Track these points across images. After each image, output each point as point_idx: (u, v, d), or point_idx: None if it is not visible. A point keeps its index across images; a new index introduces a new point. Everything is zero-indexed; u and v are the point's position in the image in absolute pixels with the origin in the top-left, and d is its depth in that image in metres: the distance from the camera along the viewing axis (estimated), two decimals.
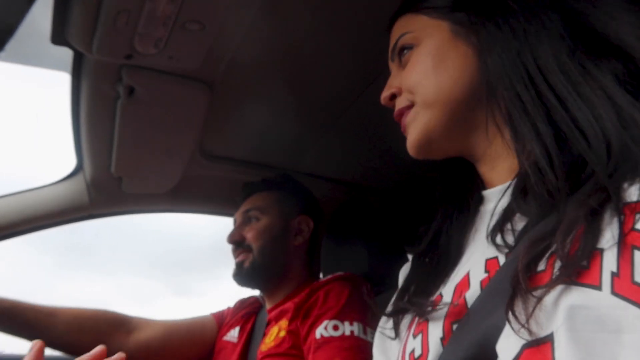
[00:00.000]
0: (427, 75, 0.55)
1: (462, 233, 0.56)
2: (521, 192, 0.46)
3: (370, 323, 0.98)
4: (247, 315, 1.22)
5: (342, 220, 1.34)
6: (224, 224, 1.49)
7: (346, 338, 0.96)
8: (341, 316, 0.99)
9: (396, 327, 0.57)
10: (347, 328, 0.97)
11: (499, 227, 0.46)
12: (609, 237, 0.36)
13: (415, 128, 0.56)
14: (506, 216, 0.46)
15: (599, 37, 0.45)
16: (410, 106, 0.57)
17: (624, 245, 0.35)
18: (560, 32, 0.47)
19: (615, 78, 0.43)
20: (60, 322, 1.08)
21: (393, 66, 0.61)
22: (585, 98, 0.43)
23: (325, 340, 0.95)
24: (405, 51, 0.58)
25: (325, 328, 0.97)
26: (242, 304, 1.28)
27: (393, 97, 0.60)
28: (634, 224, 0.35)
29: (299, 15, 0.89)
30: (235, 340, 1.17)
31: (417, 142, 0.56)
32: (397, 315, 0.57)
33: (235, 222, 1.24)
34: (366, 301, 1.03)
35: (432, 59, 0.55)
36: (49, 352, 1.14)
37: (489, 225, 0.47)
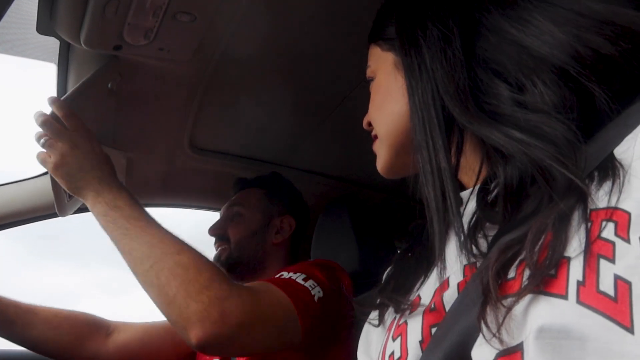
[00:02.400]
0: (377, 110, 0.59)
1: (445, 231, 0.57)
2: (484, 201, 0.47)
3: (324, 284, 0.96)
4: None
5: (333, 216, 1.34)
6: (202, 218, 1.50)
7: (280, 278, 0.96)
8: (287, 269, 1.00)
9: (380, 317, 0.58)
10: (285, 275, 0.97)
11: (470, 236, 0.46)
12: (576, 245, 0.36)
13: (377, 157, 0.61)
14: (477, 224, 0.47)
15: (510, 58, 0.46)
16: (376, 136, 0.61)
17: (590, 253, 0.35)
18: (458, 64, 0.48)
19: (507, 100, 0.44)
20: (39, 321, 1.07)
21: None
22: (487, 129, 0.44)
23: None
24: (370, 83, 0.63)
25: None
26: None
27: (370, 124, 0.64)
28: (600, 231, 0.35)
29: (291, 9, 0.88)
30: None
31: (380, 170, 0.61)
32: (378, 309, 0.59)
33: (220, 215, 1.26)
34: (330, 274, 1.01)
35: (381, 94, 0.59)
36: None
37: (460, 235, 0.47)
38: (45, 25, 0.82)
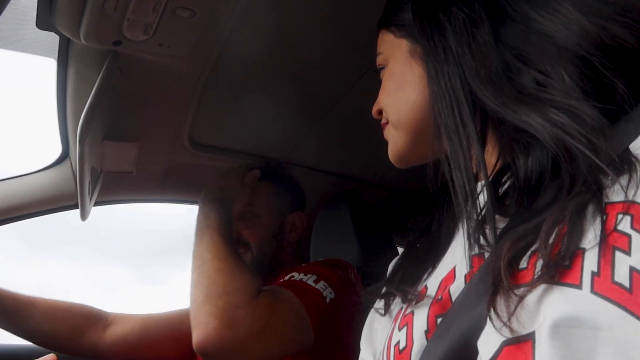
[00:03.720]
0: (390, 98, 0.58)
1: (453, 222, 0.57)
2: (497, 193, 0.46)
3: (335, 286, 0.97)
4: None
5: (333, 212, 1.34)
6: (193, 215, 1.50)
7: (292, 280, 0.97)
8: (298, 270, 1.00)
9: (387, 307, 0.58)
10: (297, 276, 0.98)
11: (480, 227, 0.46)
12: (591, 238, 0.36)
13: (390, 145, 0.60)
14: (485, 216, 0.46)
15: (537, 41, 0.45)
16: (387, 123, 0.60)
17: (605, 245, 0.35)
18: (488, 49, 0.47)
19: (565, 79, 0.43)
20: (38, 312, 1.07)
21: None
22: (520, 113, 0.43)
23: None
24: (380, 70, 0.62)
25: (281, 279, 1.00)
26: None
27: (380, 111, 0.63)
28: (616, 224, 0.36)
29: (291, 5, 0.88)
30: None
31: (393, 158, 0.60)
32: (384, 297, 0.58)
33: None
34: (347, 278, 1.02)
35: (394, 82, 0.58)
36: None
37: (469, 226, 0.47)
38: (44, 21, 0.82)
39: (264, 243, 1.14)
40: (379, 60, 0.61)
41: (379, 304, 0.60)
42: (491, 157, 0.50)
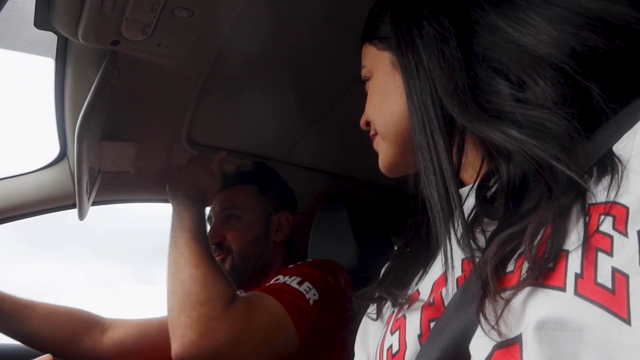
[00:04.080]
0: (376, 110, 0.59)
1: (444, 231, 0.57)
2: (483, 197, 0.47)
3: (320, 287, 0.97)
4: None
5: (331, 212, 1.34)
6: None
7: (274, 284, 0.97)
8: (284, 272, 1.00)
9: (378, 311, 0.58)
10: (281, 279, 0.98)
11: (469, 231, 0.46)
12: (574, 239, 0.36)
13: (380, 156, 0.61)
14: (475, 219, 0.47)
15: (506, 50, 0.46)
16: (375, 134, 0.61)
17: (588, 247, 0.35)
18: (456, 63, 0.47)
19: (507, 97, 0.44)
20: (36, 315, 1.07)
21: None
22: (486, 128, 0.44)
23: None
24: (366, 82, 0.62)
25: (269, 282, 1.00)
26: None
27: (368, 123, 0.63)
28: (598, 225, 0.36)
29: (290, 5, 0.88)
30: None
31: (383, 169, 0.61)
32: (375, 302, 0.59)
33: (211, 219, 1.21)
34: (335, 283, 1.01)
35: (378, 94, 0.59)
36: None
37: (456, 229, 0.48)
38: (42, 20, 0.81)
39: (246, 246, 1.14)
40: (364, 72, 0.62)
41: (371, 308, 0.60)
42: (475, 162, 0.51)
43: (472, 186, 0.49)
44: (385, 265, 0.63)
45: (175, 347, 0.83)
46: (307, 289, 0.95)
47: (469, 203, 0.49)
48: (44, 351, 1.10)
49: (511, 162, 0.44)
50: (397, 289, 0.54)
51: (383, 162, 0.60)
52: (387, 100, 0.57)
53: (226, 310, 0.84)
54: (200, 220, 0.98)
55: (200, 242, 0.94)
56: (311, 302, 0.93)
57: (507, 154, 0.44)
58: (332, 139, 1.31)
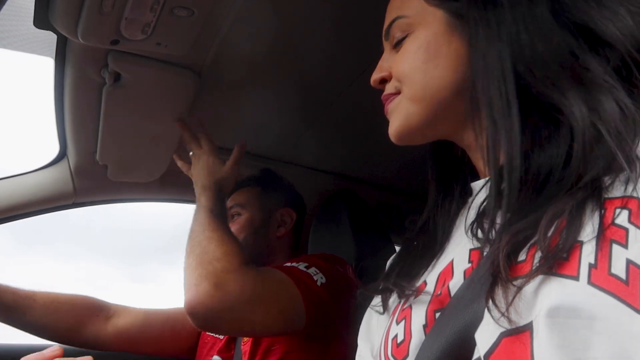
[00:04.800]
0: (417, 69, 0.53)
1: (449, 221, 0.57)
2: (498, 189, 0.46)
3: (326, 273, 0.98)
4: None
5: (331, 211, 1.34)
6: (185, 214, 1.51)
7: (284, 266, 0.98)
8: (290, 260, 1.02)
9: (384, 304, 0.58)
10: (289, 264, 0.99)
11: (479, 221, 0.46)
12: (589, 231, 0.37)
13: (398, 117, 0.55)
14: (486, 211, 0.47)
15: (584, 30, 0.45)
16: (397, 94, 0.56)
17: (603, 238, 0.36)
18: (548, 26, 0.46)
19: (600, 71, 0.43)
20: (38, 305, 1.08)
21: (386, 45, 0.59)
22: (569, 95, 0.43)
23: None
24: (398, 35, 0.56)
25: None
26: None
27: (383, 80, 0.58)
28: (614, 218, 0.36)
29: (289, 4, 0.88)
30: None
31: (397, 131, 0.56)
32: (381, 294, 0.58)
33: None
34: (343, 273, 1.03)
35: (424, 53, 0.52)
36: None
37: (466, 219, 0.48)
38: (42, 19, 0.81)
39: (247, 237, 1.18)
40: (402, 24, 0.55)
41: (376, 300, 0.60)
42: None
43: (489, 179, 0.49)
44: (391, 258, 0.63)
45: (189, 297, 0.83)
46: (315, 272, 0.97)
47: (481, 196, 0.49)
48: (48, 339, 1.11)
49: (544, 151, 0.43)
50: (404, 281, 0.53)
51: (401, 125, 0.55)
52: (435, 63, 0.52)
53: (241, 267, 0.86)
54: (218, 202, 1.02)
55: (218, 218, 0.97)
56: (318, 283, 0.95)
57: (546, 139, 0.44)
58: (332, 139, 1.31)
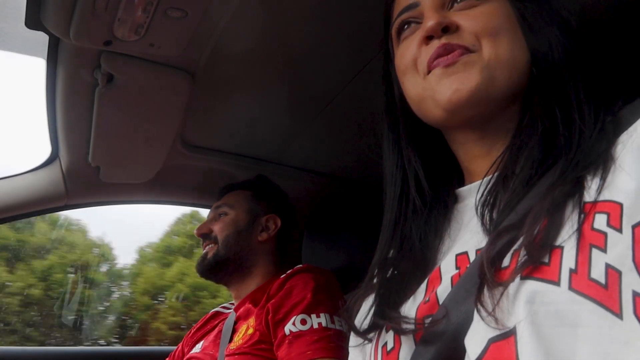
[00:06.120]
0: (504, 33, 0.50)
1: (432, 231, 0.55)
2: (503, 180, 0.47)
3: (336, 311, 1.00)
4: (210, 326, 1.23)
5: (323, 214, 1.34)
6: (181, 214, 1.50)
7: (315, 331, 0.98)
8: (308, 310, 1.00)
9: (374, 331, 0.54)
10: (314, 321, 0.99)
11: (489, 202, 0.47)
12: (569, 234, 0.37)
13: (475, 76, 0.48)
14: (494, 197, 0.48)
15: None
16: (470, 50, 0.50)
17: (582, 243, 0.36)
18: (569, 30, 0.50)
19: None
20: None
21: (435, 3, 0.54)
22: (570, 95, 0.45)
23: (295, 336, 0.97)
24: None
25: (294, 323, 0.99)
26: (204, 320, 1.28)
27: (445, 29, 0.51)
28: (593, 222, 0.37)
29: (283, 6, 0.87)
30: (198, 350, 1.17)
31: (470, 92, 0.48)
32: (374, 331, 0.53)
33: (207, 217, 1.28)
34: (330, 290, 1.05)
35: (506, 22, 0.51)
36: None
37: (477, 200, 0.47)
38: (34, 20, 0.81)
39: (228, 237, 1.20)
40: None
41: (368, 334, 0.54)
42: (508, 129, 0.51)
43: (492, 177, 0.49)
44: (358, 293, 0.57)
45: None
46: (340, 322, 0.99)
47: (472, 200, 0.50)
48: None
49: (543, 140, 0.45)
50: (395, 311, 0.50)
51: (478, 86, 0.48)
52: (515, 34, 0.51)
53: None
54: None
55: None
56: (345, 330, 0.97)
57: (548, 132, 0.45)
58: (325, 140, 1.31)
